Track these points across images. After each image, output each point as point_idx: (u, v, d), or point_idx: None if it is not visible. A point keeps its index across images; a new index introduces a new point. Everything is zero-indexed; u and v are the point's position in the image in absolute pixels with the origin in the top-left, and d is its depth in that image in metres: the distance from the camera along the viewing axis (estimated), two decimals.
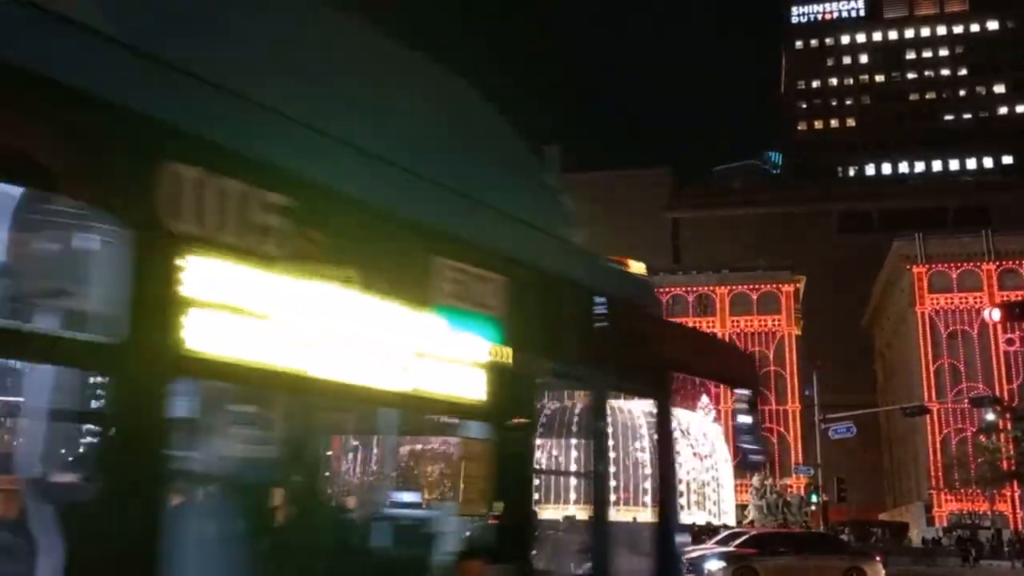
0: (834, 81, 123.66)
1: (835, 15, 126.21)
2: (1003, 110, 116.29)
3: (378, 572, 4.24)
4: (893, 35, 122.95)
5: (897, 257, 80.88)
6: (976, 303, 75.18)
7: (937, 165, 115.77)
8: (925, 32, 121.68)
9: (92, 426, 2.90)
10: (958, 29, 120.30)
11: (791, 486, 58.76)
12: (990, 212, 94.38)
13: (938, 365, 76.37)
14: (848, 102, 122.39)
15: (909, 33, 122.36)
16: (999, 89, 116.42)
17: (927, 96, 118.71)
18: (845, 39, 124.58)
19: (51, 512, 3.03)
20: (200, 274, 2.68)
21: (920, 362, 76.67)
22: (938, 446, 73.83)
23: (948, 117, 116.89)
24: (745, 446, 6.10)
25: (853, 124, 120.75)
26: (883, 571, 26.76)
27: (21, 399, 3.38)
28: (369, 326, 3.29)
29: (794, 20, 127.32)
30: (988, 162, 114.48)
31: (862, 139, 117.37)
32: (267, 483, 4.22)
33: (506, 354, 3.82)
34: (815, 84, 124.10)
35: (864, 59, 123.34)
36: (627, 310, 4.91)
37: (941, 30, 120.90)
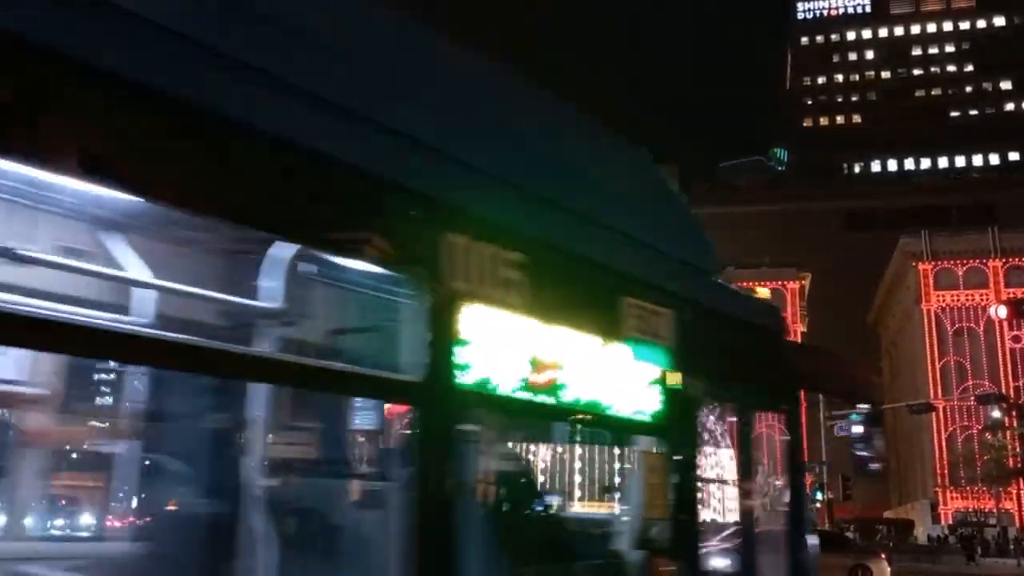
0: (840, 77, 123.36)
1: (841, 11, 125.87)
2: (1010, 107, 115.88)
3: (590, 565, 5.15)
4: (899, 31, 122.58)
5: (903, 254, 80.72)
6: (982, 300, 75.01)
7: (943, 162, 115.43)
8: (931, 28, 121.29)
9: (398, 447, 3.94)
10: (964, 25, 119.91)
11: None
12: (996, 209, 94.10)
13: (944, 362, 76.20)
14: (854, 99, 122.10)
15: (915, 29, 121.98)
16: (1006, 86, 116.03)
17: (933, 93, 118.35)
18: (851, 35, 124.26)
19: (364, 512, 4.08)
20: (471, 321, 3.44)
21: (926, 359, 76.52)
22: (944, 444, 73.69)
23: (954, 114, 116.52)
24: (863, 454, 6.69)
25: (859, 121, 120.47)
26: (888, 568, 26.68)
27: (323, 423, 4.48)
28: (579, 358, 4.09)
29: (800, 16, 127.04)
30: (994, 159, 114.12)
31: (868, 136, 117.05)
32: (515, 492, 5.20)
33: (675, 378, 4.63)
34: (821, 80, 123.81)
35: (870, 55, 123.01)
36: (763, 335, 5.80)
37: (947, 26, 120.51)
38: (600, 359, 4.17)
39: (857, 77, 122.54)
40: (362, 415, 4.23)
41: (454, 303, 3.36)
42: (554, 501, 7.32)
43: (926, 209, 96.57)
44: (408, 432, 3.44)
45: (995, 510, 63.60)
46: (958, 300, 77.34)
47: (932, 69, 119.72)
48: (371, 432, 4.55)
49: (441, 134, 3.53)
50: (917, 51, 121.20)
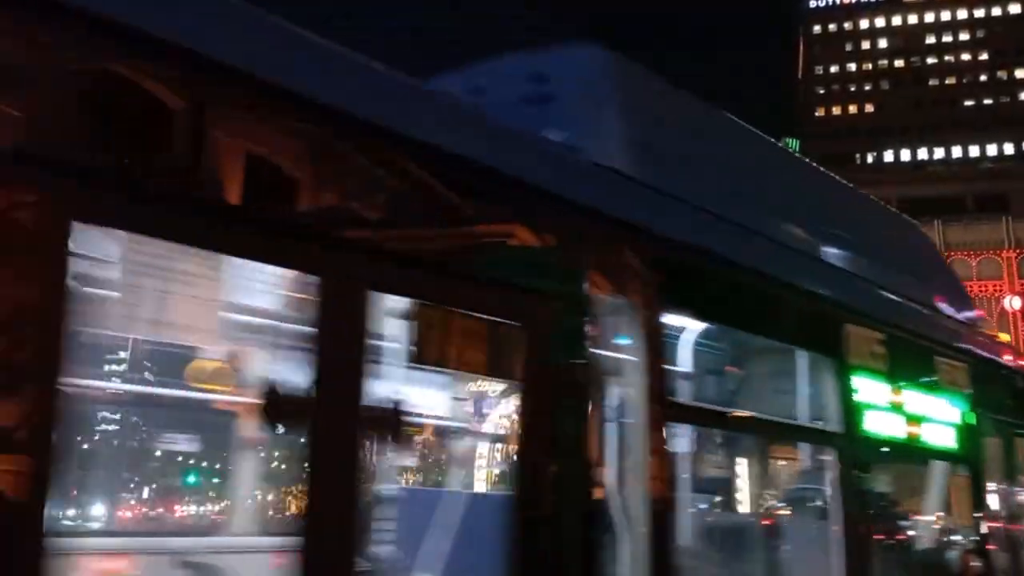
0: (852, 66, 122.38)
1: None
2: None
3: (926, 560, 6.62)
4: (913, 19, 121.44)
5: None
6: (996, 291, 74.52)
7: (957, 151, 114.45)
8: (946, 16, 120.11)
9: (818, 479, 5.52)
10: (979, 13, 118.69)
11: None
12: (1010, 199, 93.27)
13: None
14: (867, 87, 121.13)
15: (929, 17, 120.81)
16: (1021, 74, 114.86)
17: (947, 81, 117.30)
18: (864, 23, 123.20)
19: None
20: (861, 386, 5.05)
21: None
22: None
23: (968, 103, 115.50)
24: None
25: (872, 110, 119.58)
26: None
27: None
28: (919, 409, 5.70)
29: (812, 4, 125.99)
30: (1009, 148, 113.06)
31: (881, 125, 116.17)
32: (891, 509, 6.80)
33: (971, 417, 6.19)
34: (833, 69, 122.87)
35: (883, 44, 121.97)
36: (1018, 375, 7.41)
37: (962, 14, 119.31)
38: (928, 408, 5.79)
39: (870, 66, 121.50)
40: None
41: (854, 376, 4.97)
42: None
43: (939, 199, 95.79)
44: (827, 470, 5.07)
45: None
46: (971, 291, 76.62)
47: (946, 57, 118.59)
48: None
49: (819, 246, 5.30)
50: (931, 39, 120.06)
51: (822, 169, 6.52)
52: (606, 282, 3.60)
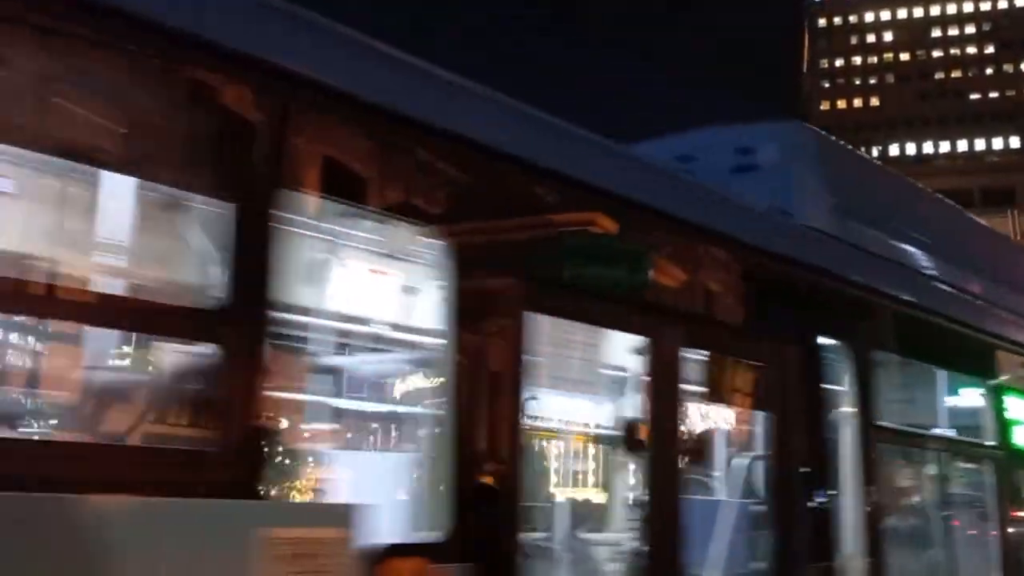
0: (858, 60, 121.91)
1: None
2: None
3: None
4: (918, 12, 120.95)
5: None
6: None
7: (963, 145, 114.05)
8: (951, 9, 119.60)
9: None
10: (985, 6, 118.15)
11: None
12: (1016, 192, 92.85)
13: None
14: (872, 81, 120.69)
15: (935, 10, 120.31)
16: None
17: (953, 75, 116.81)
18: (869, 16, 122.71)
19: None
20: (1014, 407, 6.18)
21: None
22: None
23: (974, 96, 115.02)
24: None
25: (877, 103, 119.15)
26: None
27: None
28: None
29: None
30: (1015, 142, 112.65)
31: (887, 119, 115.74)
32: None
33: None
34: (838, 63, 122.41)
35: (888, 37, 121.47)
36: None
37: (968, 7, 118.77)
38: None
39: (875, 59, 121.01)
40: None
41: (1008, 397, 5.99)
42: None
43: (946, 193, 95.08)
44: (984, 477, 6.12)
45: None
46: None
47: (952, 51, 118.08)
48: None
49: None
50: (936, 32, 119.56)
51: (983, 222, 7.74)
52: (826, 328, 4.60)
